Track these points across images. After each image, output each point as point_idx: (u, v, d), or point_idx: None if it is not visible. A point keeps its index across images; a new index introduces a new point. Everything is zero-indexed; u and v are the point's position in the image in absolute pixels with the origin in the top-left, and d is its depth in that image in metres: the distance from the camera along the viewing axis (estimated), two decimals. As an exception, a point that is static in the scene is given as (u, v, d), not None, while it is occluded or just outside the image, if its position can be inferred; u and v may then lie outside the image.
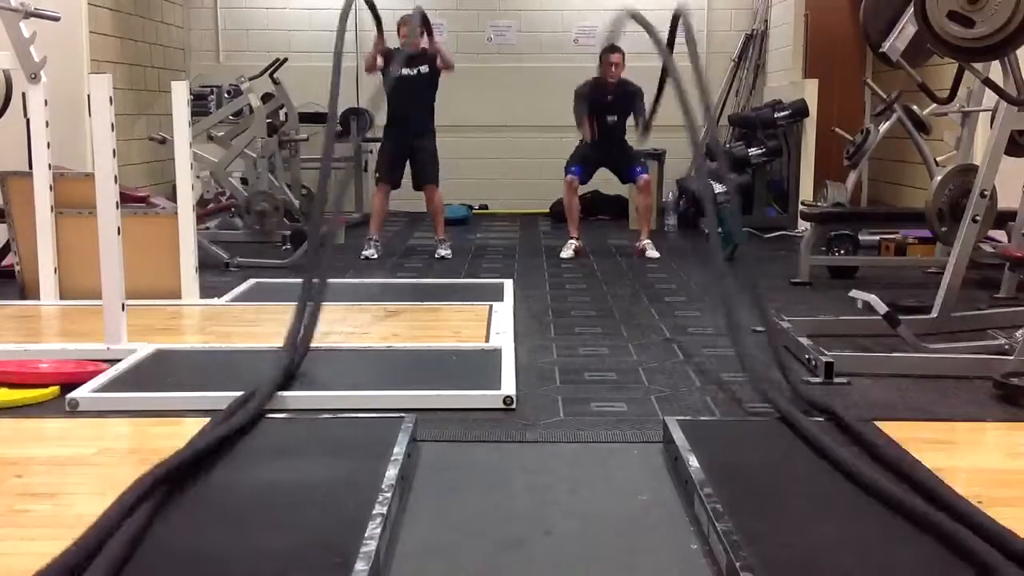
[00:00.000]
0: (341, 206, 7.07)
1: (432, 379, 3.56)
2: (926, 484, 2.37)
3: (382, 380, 3.60)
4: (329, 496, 2.44)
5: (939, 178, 4.69)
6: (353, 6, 4.63)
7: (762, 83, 9.60)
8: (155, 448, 2.72)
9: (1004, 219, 5.02)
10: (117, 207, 3.86)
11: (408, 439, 2.75)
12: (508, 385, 3.40)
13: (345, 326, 4.41)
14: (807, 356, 3.79)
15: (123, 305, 3.87)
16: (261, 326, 4.49)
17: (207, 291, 5.12)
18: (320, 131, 9.13)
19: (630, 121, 6.91)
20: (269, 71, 7.99)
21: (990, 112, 4.88)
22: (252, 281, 5.55)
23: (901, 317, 3.93)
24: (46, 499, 2.43)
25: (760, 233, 7.94)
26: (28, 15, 4.92)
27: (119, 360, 3.68)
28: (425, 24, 6.47)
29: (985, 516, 2.15)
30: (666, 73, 4.61)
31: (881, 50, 5.03)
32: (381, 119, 6.92)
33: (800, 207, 7.75)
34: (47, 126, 4.93)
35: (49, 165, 4.91)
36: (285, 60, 8.23)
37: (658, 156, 8.61)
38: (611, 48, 6.85)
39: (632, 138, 6.99)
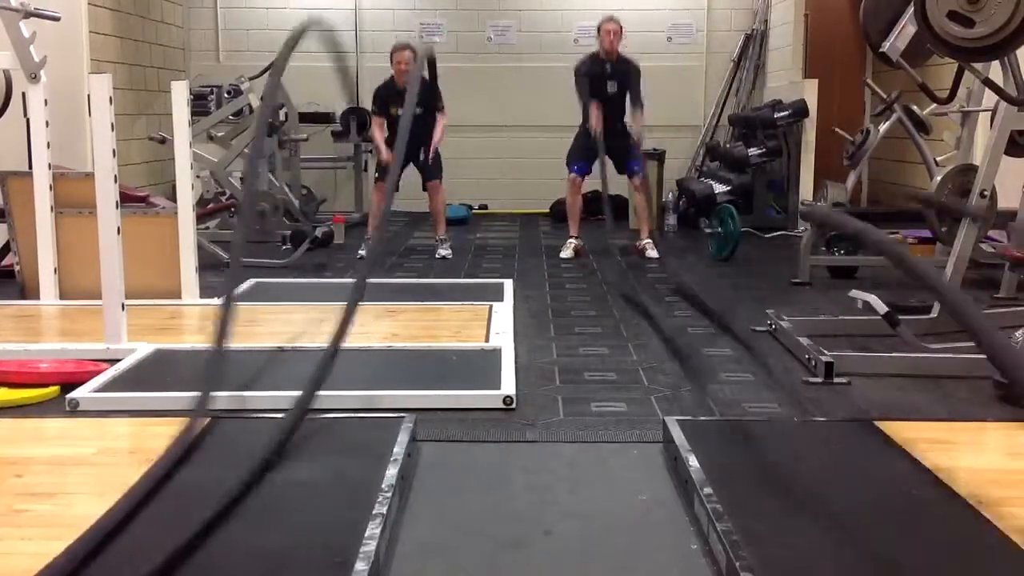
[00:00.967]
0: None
1: (432, 379, 3.56)
2: None
3: (382, 380, 3.59)
4: (329, 496, 2.44)
5: (939, 178, 4.70)
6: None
7: (762, 83, 9.59)
8: (155, 448, 2.72)
9: (1004, 219, 5.02)
10: (117, 207, 3.86)
11: (408, 439, 2.75)
12: (508, 385, 3.41)
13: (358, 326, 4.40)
14: (807, 356, 3.79)
15: (123, 305, 3.87)
16: (261, 326, 4.48)
17: (207, 291, 5.11)
18: (320, 131, 9.16)
19: (630, 123, 6.92)
20: (269, 71, 7.98)
21: (990, 112, 4.88)
22: (252, 281, 5.55)
23: (901, 317, 3.93)
24: (46, 499, 2.43)
25: (760, 233, 7.94)
26: (28, 15, 4.92)
27: (119, 360, 3.68)
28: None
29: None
30: None
31: (881, 50, 5.03)
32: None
33: (800, 207, 7.75)
34: (47, 126, 4.93)
35: (49, 165, 4.91)
36: (285, 60, 8.21)
37: (658, 156, 8.62)
38: (608, 18, 6.87)
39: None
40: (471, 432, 3.07)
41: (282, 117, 8.12)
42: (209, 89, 8.59)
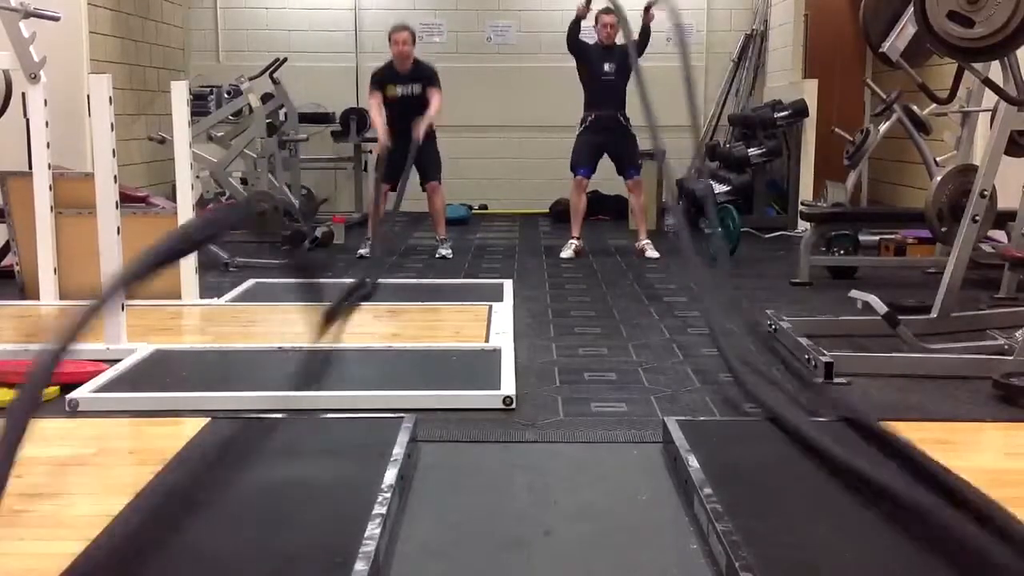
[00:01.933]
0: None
1: (432, 379, 3.57)
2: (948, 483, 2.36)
3: (382, 380, 3.59)
4: (329, 496, 2.44)
5: (939, 178, 4.69)
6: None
7: (762, 83, 9.59)
8: (155, 448, 2.73)
9: (1004, 219, 5.02)
10: (117, 207, 3.87)
11: (408, 439, 2.75)
12: (508, 385, 3.41)
13: (345, 326, 4.40)
14: (807, 356, 3.79)
15: (123, 305, 3.87)
16: (261, 326, 4.49)
17: (207, 291, 5.12)
18: (320, 131, 9.16)
19: (631, 125, 6.93)
20: (269, 71, 7.99)
21: (990, 112, 4.88)
22: (252, 281, 5.56)
23: (901, 317, 3.93)
24: (46, 499, 2.43)
25: (760, 233, 7.94)
26: (28, 15, 4.92)
27: (119, 360, 3.68)
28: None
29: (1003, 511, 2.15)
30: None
31: (881, 50, 5.03)
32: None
33: (800, 207, 7.75)
34: (47, 126, 4.93)
35: (49, 165, 4.91)
36: (285, 60, 8.23)
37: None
38: (606, 10, 6.87)
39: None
40: (471, 432, 3.07)
41: (282, 117, 8.12)
42: (209, 89, 8.60)
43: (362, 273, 4.73)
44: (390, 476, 2.47)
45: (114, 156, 3.87)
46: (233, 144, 7.47)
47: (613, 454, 2.94)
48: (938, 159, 6.14)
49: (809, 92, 8.33)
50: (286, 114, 8.17)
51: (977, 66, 4.17)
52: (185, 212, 5.01)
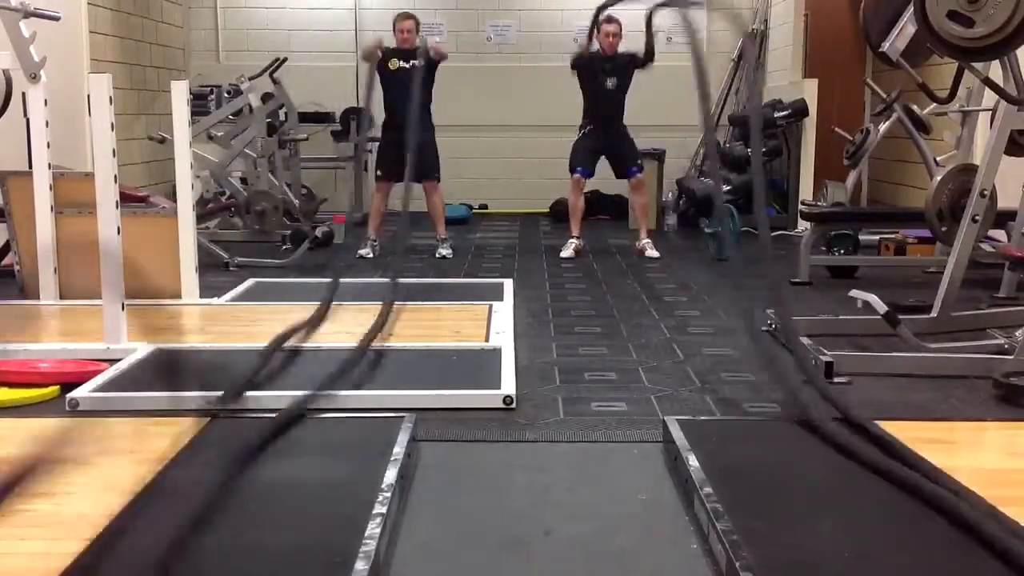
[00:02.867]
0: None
1: (432, 379, 3.56)
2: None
3: (382, 380, 3.59)
4: (329, 496, 2.44)
5: (939, 178, 4.69)
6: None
7: (762, 83, 9.58)
8: (155, 448, 2.73)
9: (1004, 219, 5.02)
10: (117, 207, 3.86)
11: (408, 439, 2.75)
12: (508, 385, 3.41)
13: (344, 326, 4.41)
14: (807, 356, 3.79)
15: (123, 305, 3.87)
16: (261, 326, 4.48)
17: (207, 291, 5.11)
18: (320, 131, 9.16)
19: (630, 123, 6.94)
20: (269, 71, 7.99)
21: (990, 112, 4.88)
22: (252, 281, 5.56)
23: (901, 317, 3.93)
24: (46, 499, 2.42)
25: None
26: (28, 15, 4.92)
27: (119, 360, 3.68)
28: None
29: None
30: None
31: (881, 50, 5.03)
32: (380, 116, 6.92)
33: (800, 207, 7.74)
34: (47, 126, 4.93)
35: (49, 165, 4.91)
36: (285, 60, 8.23)
37: (658, 156, 8.60)
38: (608, 19, 6.87)
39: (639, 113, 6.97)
40: (471, 432, 3.07)
41: (282, 117, 8.12)
42: (209, 89, 8.60)
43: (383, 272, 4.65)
44: (390, 476, 2.47)
45: (114, 156, 3.87)
46: (233, 144, 7.46)
47: (613, 454, 2.94)
48: (938, 159, 6.14)
49: (809, 92, 8.33)
50: (286, 114, 8.16)
51: (977, 66, 4.17)
52: (185, 212, 5.02)
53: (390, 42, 6.85)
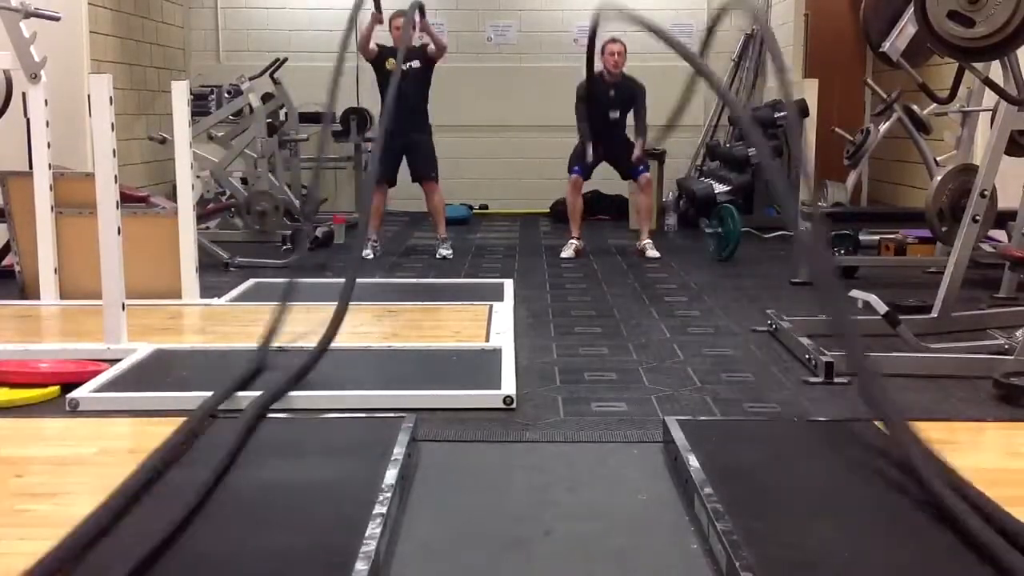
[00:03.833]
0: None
1: (432, 379, 3.56)
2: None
3: (382, 380, 3.59)
4: (329, 496, 2.44)
5: (939, 178, 4.69)
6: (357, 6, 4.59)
7: (762, 83, 9.59)
8: (155, 448, 2.72)
9: (1004, 219, 5.02)
10: (117, 207, 3.86)
11: (408, 439, 2.75)
12: (508, 385, 3.41)
13: (345, 326, 4.40)
14: (807, 356, 3.79)
15: (123, 305, 3.87)
16: (261, 326, 4.47)
17: (207, 291, 5.11)
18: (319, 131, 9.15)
19: (631, 120, 6.92)
20: (269, 71, 7.99)
21: (990, 112, 4.88)
22: (252, 281, 5.55)
23: (901, 317, 3.93)
24: (46, 499, 2.43)
25: (760, 233, 7.93)
26: (28, 15, 4.92)
27: (119, 360, 3.68)
28: (421, 13, 6.43)
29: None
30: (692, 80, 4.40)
31: (881, 50, 5.03)
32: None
33: (800, 207, 7.73)
34: (47, 126, 4.93)
35: (49, 165, 4.91)
36: (285, 60, 8.23)
37: (658, 156, 8.60)
38: (612, 39, 6.85)
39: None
40: (471, 432, 3.07)
41: (282, 117, 8.12)
42: (209, 89, 8.59)
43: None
44: (390, 476, 2.47)
45: (114, 156, 3.87)
46: (233, 144, 7.47)
47: (613, 454, 2.94)
48: (938, 159, 6.14)
49: (809, 92, 8.29)
50: (286, 114, 8.16)
51: (977, 66, 4.17)
52: (185, 212, 5.02)
53: (390, 42, 6.85)
